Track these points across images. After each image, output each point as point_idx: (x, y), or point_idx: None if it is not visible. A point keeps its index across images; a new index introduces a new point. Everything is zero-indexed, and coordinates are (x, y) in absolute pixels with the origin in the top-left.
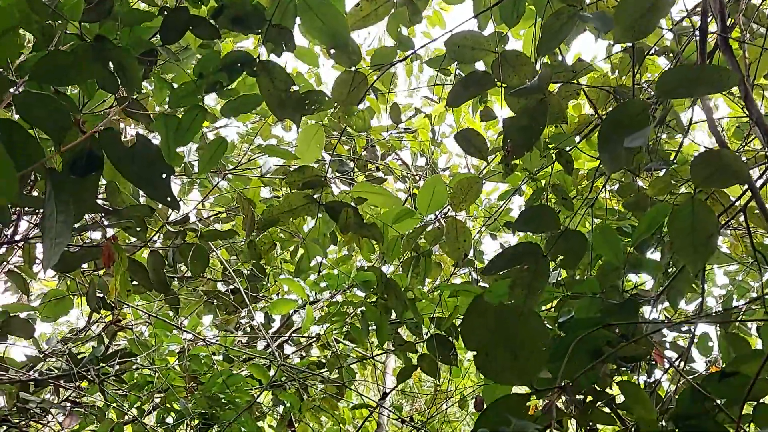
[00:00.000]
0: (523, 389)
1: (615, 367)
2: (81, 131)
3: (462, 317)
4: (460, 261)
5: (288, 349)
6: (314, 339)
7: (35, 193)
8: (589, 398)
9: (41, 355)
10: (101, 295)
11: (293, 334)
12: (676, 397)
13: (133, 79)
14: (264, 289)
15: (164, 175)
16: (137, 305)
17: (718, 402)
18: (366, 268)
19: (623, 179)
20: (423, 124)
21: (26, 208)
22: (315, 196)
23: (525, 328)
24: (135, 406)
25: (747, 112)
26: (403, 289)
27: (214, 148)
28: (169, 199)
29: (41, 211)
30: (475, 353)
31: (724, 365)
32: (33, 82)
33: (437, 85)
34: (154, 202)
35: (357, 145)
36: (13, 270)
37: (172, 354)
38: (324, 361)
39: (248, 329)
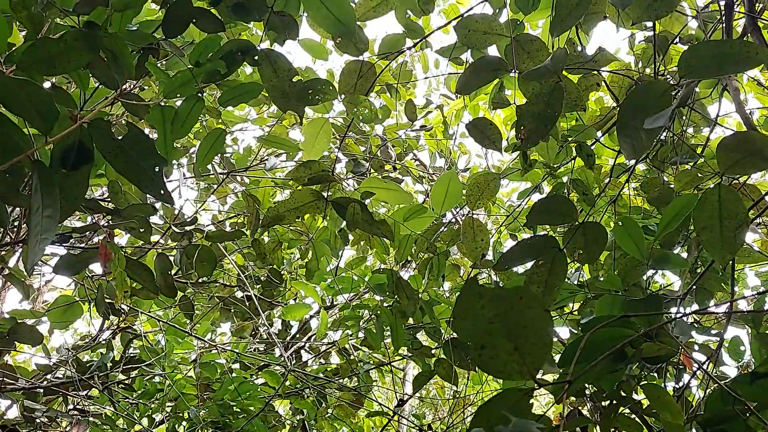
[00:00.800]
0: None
1: (640, 370)
2: None
3: (454, 306)
4: (478, 262)
5: (305, 356)
6: (331, 345)
7: None
8: (613, 403)
9: (51, 363)
10: (110, 301)
11: (310, 341)
12: (706, 401)
13: (126, 67)
14: (280, 294)
15: (157, 169)
16: (151, 312)
17: (750, 405)
18: (381, 270)
19: (648, 175)
20: (440, 122)
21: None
22: (323, 193)
23: (527, 314)
24: (145, 415)
25: None
26: (418, 292)
27: (212, 140)
28: (162, 192)
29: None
30: (468, 348)
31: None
32: (22, 72)
33: (454, 75)
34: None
35: (372, 145)
36: (13, 273)
37: (185, 361)
38: (342, 367)
39: (265, 336)
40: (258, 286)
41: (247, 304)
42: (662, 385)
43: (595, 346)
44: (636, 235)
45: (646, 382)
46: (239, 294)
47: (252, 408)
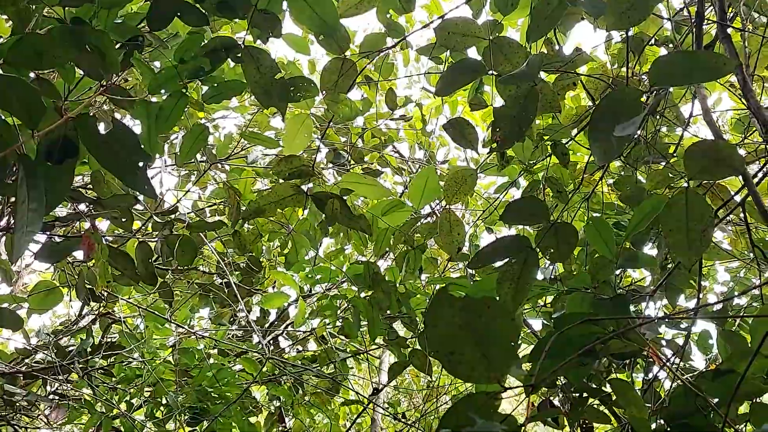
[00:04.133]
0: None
1: (608, 364)
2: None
3: (425, 315)
4: (454, 255)
5: (284, 344)
6: (309, 333)
7: None
8: (582, 395)
9: (31, 348)
10: (90, 287)
11: (288, 328)
12: (670, 397)
13: (112, 63)
14: (259, 282)
15: (141, 164)
16: (131, 298)
17: (711, 401)
18: (360, 262)
19: (622, 173)
20: (419, 117)
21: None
22: (303, 187)
23: (494, 322)
24: (124, 399)
25: (745, 103)
26: (396, 284)
27: (195, 135)
28: (146, 187)
29: None
30: (437, 353)
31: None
32: (9, 68)
33: (434, 73)
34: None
35: (352, 135)
36: None
37: (163, 347)
38: (319, 355)
39: (243, 323)
40: (237, 273)
41: (226, 291)
42: (631, 378)
43: (565, 342)
44: (606, 234)
45: (613, 376)
46: (218, 281)
47: (229, 394)
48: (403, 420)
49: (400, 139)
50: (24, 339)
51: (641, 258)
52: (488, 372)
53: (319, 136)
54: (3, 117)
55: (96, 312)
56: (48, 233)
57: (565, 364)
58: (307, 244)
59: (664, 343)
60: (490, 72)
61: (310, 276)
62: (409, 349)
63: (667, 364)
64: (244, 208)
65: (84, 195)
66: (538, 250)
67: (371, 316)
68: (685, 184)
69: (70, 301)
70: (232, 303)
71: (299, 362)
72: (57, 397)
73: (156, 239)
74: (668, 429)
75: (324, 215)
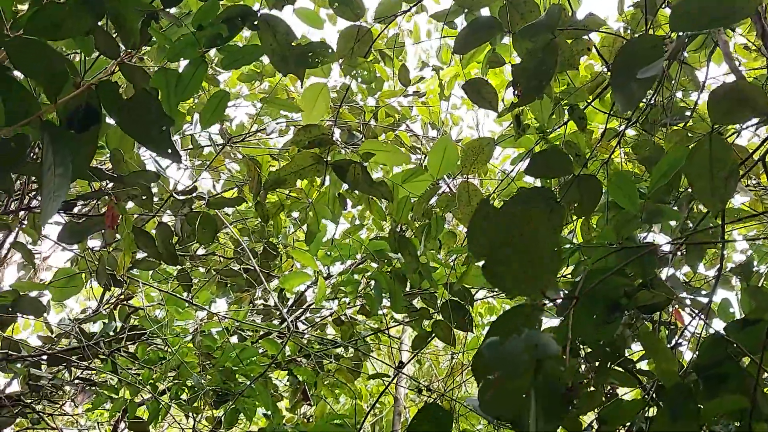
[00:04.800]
0: None
1: (633, 321)
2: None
3: (468, 227)
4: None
5: (302, 327)
6: (330, 314)
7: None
8: (607, 359)
9: (54, 336)
10: (111, 272)
11: (307, 313)
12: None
13: (131, 31)
14: (276, 267)
15: (164, 128)
16: (149, 284)
17: (743, 348)
18: (379, 238)
19: (639, 138)
20: (435, 91)
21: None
22: (322, 156)
23: (537, 233)
24: (148, 382)
25: (764, 52)
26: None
27: (217, 101)
28: (170, 151)
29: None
30: (483, 262)
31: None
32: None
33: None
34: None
35: (366, 114)
36: (19, 240)
37: (185, 330)
38: (339, 339)
39: (262, 307)
40: (255, 260)
41: (244, 276)
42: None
43: (592, 301)
44: (629, 189)
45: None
46: (236, 267)
47: (253, 375)
48: (428, 392)
49: (413, 118)
50: (46, 328)
51: (666, 211)
52: (532, 282)
53: (333, 117)
54: (24, 85)
55: (117, 298)
56: (69, 213)
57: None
58: (327, 214)
59: (688, 302)
60: (507, 32)
61: (329, 254)
62: (433, 321)
63: (695, 318)
64: (264, 181)
65: (105, 172)
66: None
67: (394, 290)
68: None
69: (92, 289)
70: (252, 286)
71: (321, 342)
72: (82, 382)
73: (176, 217)
74: (699, 379)
75: (345, 183)
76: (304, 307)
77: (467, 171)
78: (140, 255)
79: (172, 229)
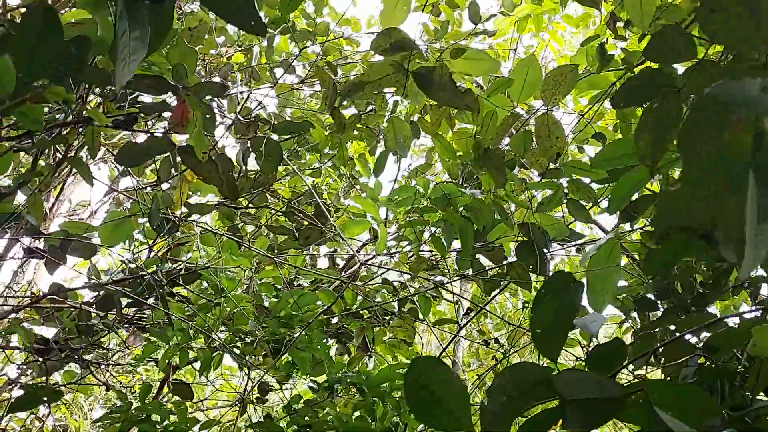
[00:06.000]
0: None
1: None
2: None
3: None
4: (547, 167)
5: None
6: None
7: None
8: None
9: (102, 282)
10: (165, 214)
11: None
12: None
13: None
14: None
15: None
16: (203, 225)
17: None
18: (446, 182)
19: None
20: (501, 32)
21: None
22: (403, 65)
23: None
24: (203, 328)
25: None
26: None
27: None
28: (253, 23)
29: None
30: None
31: None
32: None
33: None
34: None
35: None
36: (77, 156)
37: (240, 273)
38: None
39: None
40: (305, 223)
41: (295, 232)
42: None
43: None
44: None
45: None
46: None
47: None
48: (496, 345)
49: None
50: (94, 275)
51: None
52: (757, 32)
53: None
54: None
55: (170, 242)
56: (130, 129)
57: None
58: (407, 131)
59: None
60: None
61: (391, 198)
62: (507, 263)
63: None
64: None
65: (168, 82)
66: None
67: (466, 230)
68: None
69: (144, 232)
70: (306, 243)
71: (380, 295)
72: (133, 325)
73: (240, 143)
74: None
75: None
76: (362, 262)
77: (548, 101)
78: (193, 200)
79: (232, 160)
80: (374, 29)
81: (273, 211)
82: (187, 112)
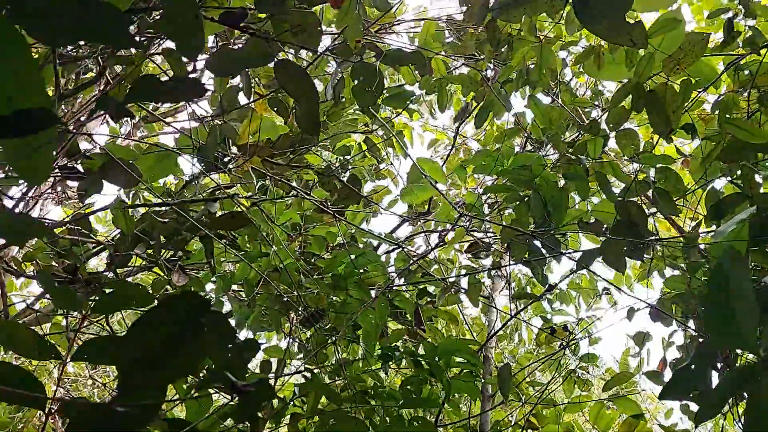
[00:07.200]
0: None
1: None
2: None
3: None
4: (665, 134)
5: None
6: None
7: None
8: None
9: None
10: (220, 151)
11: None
12: None
13: None
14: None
15: None
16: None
17: None
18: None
19: None
20: None
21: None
22: None
23: None
24: (246, 277)
25: None
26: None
27: None
28: None
29: None
30: None
31: None
32: None
33: None
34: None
35: None
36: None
37: (287, 229)
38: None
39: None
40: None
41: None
42: None
43: None
44: None
45: None
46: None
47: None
48: (564, 334)
49: None
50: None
51: None
52: None
53: None
54: None
55: (220, 186)
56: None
57: None
58: (553, 62)
59: None
60: None
61: (462, 166)
62: (602, 240)
63: None
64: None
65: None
66: None
67: (559, 198)
68: None
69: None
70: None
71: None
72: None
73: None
74: None
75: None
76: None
77: (669, 71)
78: None
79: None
80: None
81: (312, 170)
82: None
